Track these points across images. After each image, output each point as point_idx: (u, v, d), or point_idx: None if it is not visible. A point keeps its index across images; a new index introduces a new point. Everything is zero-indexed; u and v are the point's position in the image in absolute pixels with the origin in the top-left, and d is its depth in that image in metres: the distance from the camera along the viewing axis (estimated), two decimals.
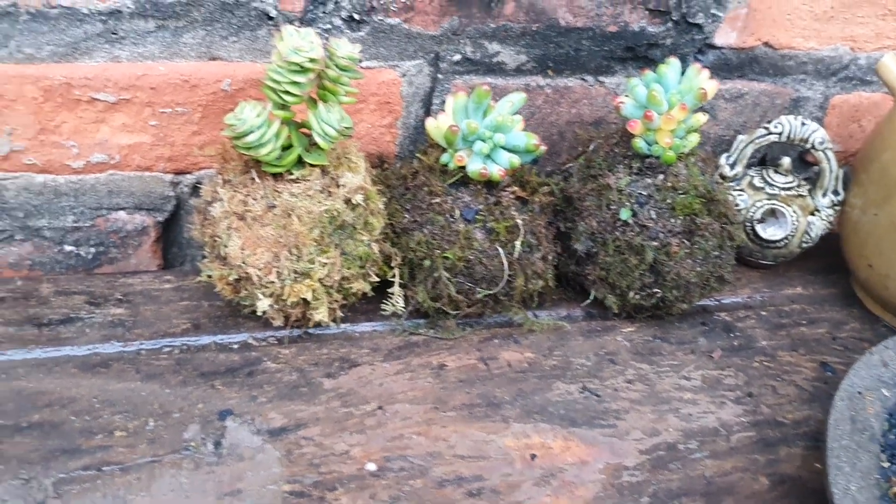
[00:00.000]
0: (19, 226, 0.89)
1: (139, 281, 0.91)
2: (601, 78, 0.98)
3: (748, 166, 1.03)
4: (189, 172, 0.92)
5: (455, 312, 0.88)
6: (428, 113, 0.95)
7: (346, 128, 0.78)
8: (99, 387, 0.78)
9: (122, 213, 0.92)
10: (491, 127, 0.81)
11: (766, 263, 1.06)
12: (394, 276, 0.87)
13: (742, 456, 0.81)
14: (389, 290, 0.88)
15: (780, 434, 0.84)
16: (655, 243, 0.87)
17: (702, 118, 0.87)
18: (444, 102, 0.94)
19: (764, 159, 1.12)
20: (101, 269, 0.95)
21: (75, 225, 0.91)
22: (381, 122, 0.93)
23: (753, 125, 1.07)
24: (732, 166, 1.01)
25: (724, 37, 0.98)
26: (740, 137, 1.00)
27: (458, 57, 0.91)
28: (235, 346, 0.85)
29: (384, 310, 0.90)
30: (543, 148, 0.83)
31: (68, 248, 0.92)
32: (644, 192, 0.87)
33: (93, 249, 0.93)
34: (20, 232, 0.90)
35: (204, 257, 0.97)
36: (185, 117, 0.87)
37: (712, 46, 0.99)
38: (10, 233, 0.89)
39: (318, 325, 0.86)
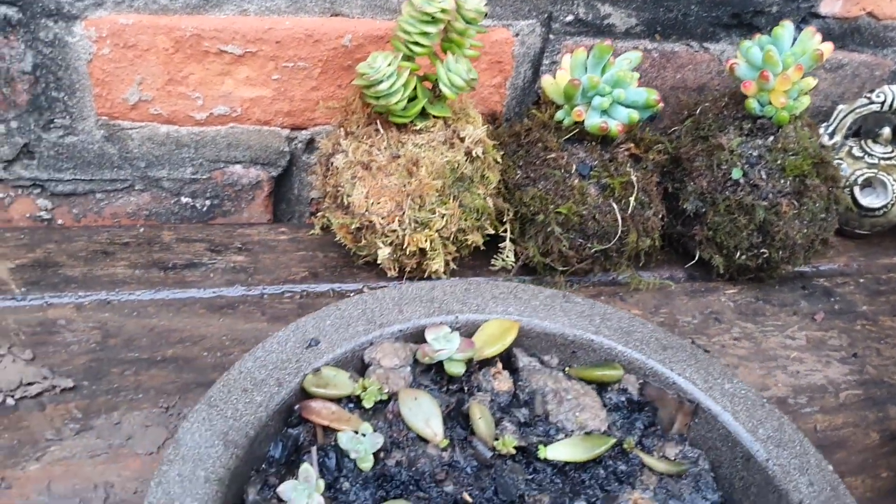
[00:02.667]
0: (140, 176, 0.92)
1: (255, 232, 0.94)
2: (706, 44, 0.99)
3: (845, 137, 1.04)
4: (305, 128, 0.94)
5: (564, 269, 0.89)
6: (536, 74, 0.96)
7: (472, 79, 0.80)
8: (227, 326, 0.80)
9: (238, 167, 0.94)
10: (610, 82, 0.83)
11: (861, 233, 1.06)
12: (505, 230, 0.89)
13: (851, 412, 0.82)
14: (500, 245, 0.90)
15: (887, 393, 0.85)
16: (765, 203, 0.88)
17: (812, 81, 0.88)
18: (552, 63, 0.95)
19: (858, 131, 1.12)
20: (215, 221, 0.97)
21: (193, 177, 0.93)
22: (491, 81, 0.95)
23: (851, 96, 1.08)
24: (831, 136, 1.02)
25: (829, 6, 0.99)
26: (840, 107, 1.01)
27: (570, 18, 0.93)
28: (352, 294, 0.87)
29: (493, 265, 0.91)
30: (662, 104, 0.84)
31: (185, 199, 0.95)
32: (755, 153, 0.89)
33: (208, 202, 0.96)
34: (140, 182, 0.93)
35: (312, 214, 1.00)
36: (306, 72, 0.89)
37: (816, 15, 1.00)
38: (130, 182, 0.92)
39: (430, 276, 0.88)
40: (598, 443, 0.64)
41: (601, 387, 0.70)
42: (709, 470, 0.66)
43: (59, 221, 0.93)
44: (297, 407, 0.62)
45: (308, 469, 0.57)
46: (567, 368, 0.71)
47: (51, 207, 0.92)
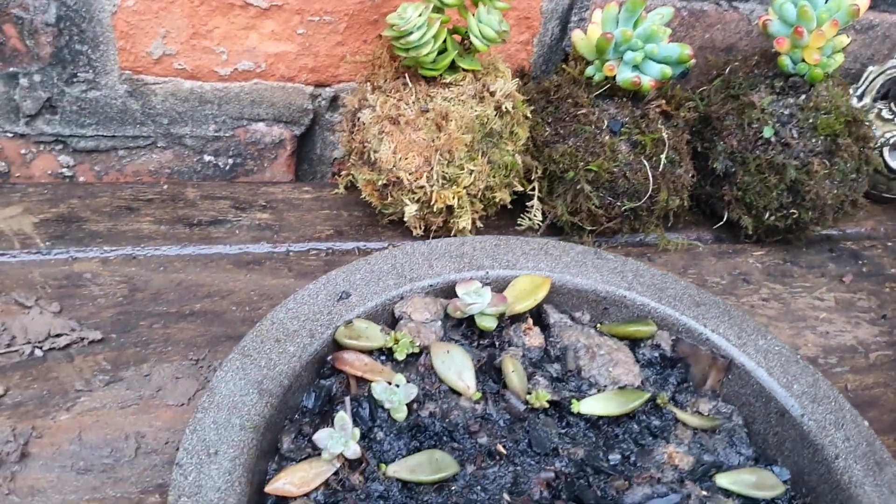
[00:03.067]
0: (163, 133, 0.91)
1: (279, 190, 0.93)
2: (735, 3, 0.98)
3: (875, 99, 1.02)
4: (328, 85, 0.93)
5: (592, 228, 0.88)
6: (565, 31, 0.95)
7: (503, 31, 0.79)
8: (255, 281, 0.80)
9: (261, 125, 0.93)
10: (643, 37, 0.82)
11: (889, 197, 1.05)
12: (532, 189, 0.88)
13: (882, 372, 0.82)
14: (528, 204, 0.89)
15: None
16: (796, 162, 0.87)
17: (845, 39, 0.86)
18: (581, 20, 0.94)
19: (887, 94, 1.11)
20: (237, 180, 0.96)
21: (216, 134, 0.92)
22: (518, 38, 0.94)
23: (881, 58, 1.07)
24: (860, 98, 1.01)
25: None
26: (870, 69, 1.00)
27: None
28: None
29: (519, 224, 0.90)
30: (694, 60, 0.83)
31: (207, 157, 0.94)
32: (786, 112, 0.87)
33: (230, 161, 0.95)
34: (163, 139, 0.91)
35: (334, 174, 0.99)
36: (331, 27, 0.88)
37: None
38: (153, 140, 0.91)
39: (456, 235, 0.87)
40: (632, 397, 0.63)
41: (634, 343, 0.69)
42: (742, 425, 0.65)
43: (81, 179, 0.92)
44: (329, 358, 0.62)
45: (344, 417, 0.57)
46: (599, 325, 0.70)
47: (72, 164, 0.91)
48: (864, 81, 1.00)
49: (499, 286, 0.70)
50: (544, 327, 0.70)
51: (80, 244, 0.80)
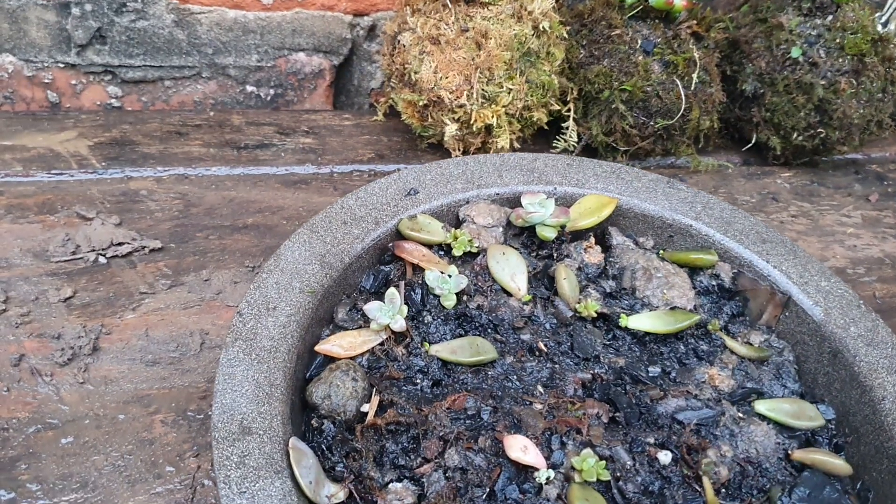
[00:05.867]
0: (207, 63, 0.94)
1: (320, 117, 0.96)
2: None
3: None
4: (366, 14, 0.95)
5: (626, 148, 0.91)
6: None
7: None
8: (303, 199, 0.83)
9: (301, 55, 0.96)
10: None
11: None
12: (568, 110, 0.91)
13: None
14: (563, 125, 0.92)
15: None
16: (824, 82, 0.89)
17: None
18: None
19: None
20: (279, 110, 0.99)
21: (258, 64, 0.95)
22: None
23: None
24: (885, 25, 1.03)
25: None
26: None
27: None
28: None
29: (555, 146, 0.93)
30: None
31: (249, 88, 0.97)
32: (814, 32, 0.90)
33: (272, 91, 0.98)
34: (207, 69, 0.94)
35: (371, 105, 1.01)
36: None
37: None
38: (198, 70, 0.94)
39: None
40: (681, 318, 0.64)
41: (693, 271, 0.69)
42: (793, 361, 0.65)
43: (129, 109, 0.95)
44: (390, 245, 0.65)
45: (394, 292, 0.60)
46: (661, 251, 0.71)
47: (120, 95, 0.94)
48: (888, 8, 1.02)
49: (566, 203, 0.72)
50: (606, 248, 0.71)
51: (133, 164, 0.83)
